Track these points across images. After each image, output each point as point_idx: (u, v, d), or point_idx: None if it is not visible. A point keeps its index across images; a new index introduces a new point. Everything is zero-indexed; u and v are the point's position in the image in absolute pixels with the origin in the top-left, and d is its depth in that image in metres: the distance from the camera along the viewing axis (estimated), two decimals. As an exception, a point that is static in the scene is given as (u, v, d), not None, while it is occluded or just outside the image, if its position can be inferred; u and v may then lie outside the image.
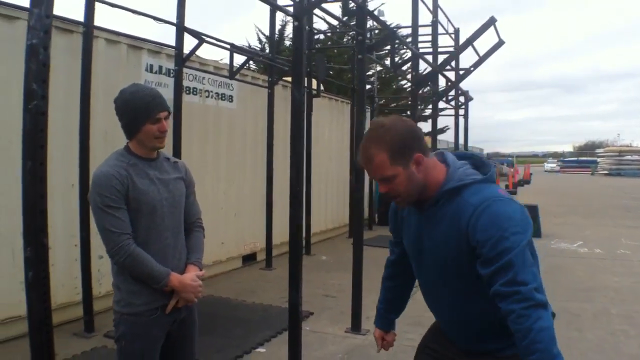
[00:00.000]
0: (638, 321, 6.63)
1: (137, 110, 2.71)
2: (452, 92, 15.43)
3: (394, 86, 27.39)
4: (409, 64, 12.39)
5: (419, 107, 23.84)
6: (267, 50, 10.08)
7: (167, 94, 6.87)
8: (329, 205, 12.78)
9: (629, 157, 56.45)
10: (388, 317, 2.91)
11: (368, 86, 19.85)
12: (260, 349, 5.51)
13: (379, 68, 20.42)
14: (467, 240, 2.17)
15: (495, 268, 2.07)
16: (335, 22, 15.52)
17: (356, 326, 6.11)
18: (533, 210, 13.56)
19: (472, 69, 12.23)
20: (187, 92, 7.86)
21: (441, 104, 15.47)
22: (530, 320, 2.03)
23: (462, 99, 17.09)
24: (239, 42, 9.15)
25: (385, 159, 2.18)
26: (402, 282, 2.83)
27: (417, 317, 2.78)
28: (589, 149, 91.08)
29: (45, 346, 2.79)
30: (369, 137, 2.22)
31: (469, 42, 10.38)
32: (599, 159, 62.39)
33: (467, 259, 2.19)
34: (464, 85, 15.12)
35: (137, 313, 2.74)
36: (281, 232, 9.73)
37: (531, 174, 44.21)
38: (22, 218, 2.77)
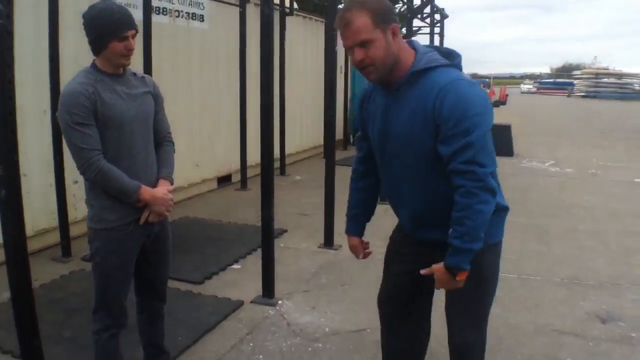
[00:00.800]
0: (605, 238, 6.85)
1: (104, 27, 2.70)
2: (427, 10, 15.26)
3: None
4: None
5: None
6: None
7: (136, 14, 6.73)
8: (304, 126, 12.80)
9: (605, 80, 56.59)
10: (360, 221, 2.92)
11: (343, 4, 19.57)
12: (235, 266, 5.66)
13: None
14: (432, 118, 2.27)
15: (456, 146, 2.21)
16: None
17: (329, 241, 6.29)
18: (506, 130, 13.66)
19: (446, -14, 12.08)
20: (157, 12, 7.70)
21: (416, 22, 15.34)
22: (476, 199, 2.20)
23: (437, 16, 16.93)
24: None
25: (367, 22, 2.23)
26: (373, 180, 2.85)
27: (389, 231, 2.89)
28: (566, 70, 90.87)
29: (21, 262, 2.87)
30: (350, 3, 2.28)
31: (443, -42, 10.22)
32: (575, 81, 62.48)
33: (431, 139, 2.30)
34: (439, 2, 14.97)
35: (111, 228, 2.81)
36: (256, 154, 9.73)
37: (507, 95, 44.30)
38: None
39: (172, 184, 3.05)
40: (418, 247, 2.63)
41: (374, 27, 2.24)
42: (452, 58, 2.40)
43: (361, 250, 2.93)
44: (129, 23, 2.77)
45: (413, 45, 2.43)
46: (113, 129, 2.76)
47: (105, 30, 2.70)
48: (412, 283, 2.72)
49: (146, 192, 2.83)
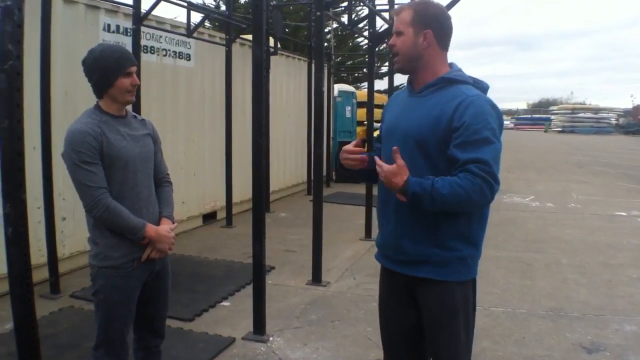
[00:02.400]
0: (588, 270, 6.97)
1: (109, 65, 2.81)
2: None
3: (350, 44, 27.41)
4: (365, 21, 12.43)
5: (376, 64, 23.93)
6: (223, 8, 10.04)
7: (125, 53, 6.82)
8: (287, 163, 12.89)
9: (582, 115, 57.48)
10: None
11: (325, 44, 19.83)
12: (225, 303, 5.66)
13: (335, 25, 20.39)
14: (449, 121, 2.42)
15: (476, 155, 2.34)
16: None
17: (317, 278, 6.31)
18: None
19: (427, 25, 12.29)
20: (145, 51, 7.80)
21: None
22: (473, 189, 2.32)
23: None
24: (194, 0, 9.07)
25: (407, 17, 2.56)
26: None
27: (376, 269, 2.95)
28: (543, 106, 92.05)
29: (26, 298, 2.90)
30: (413, 0, 2.63)
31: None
32: (552, 117, 63.36)
33: (436, 139, 2.45)
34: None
35: (116, 266, 2.86)
36: (241, 191, 9.84)
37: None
38: (0, 175, 2.85)
39: (173, 222, 3.14)
40: (397, 278, 2.70)
41: (410, 24, 2.56)
42: (479, 84, 2.63)
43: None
44: (131, 59, 2.91)
45: (451, 65, 2.66)
46: (118, 168, 2.84)
47: (111, 68, 2.81)
48: (409, 325, 2.77)
49: (151, 229, 2.91)
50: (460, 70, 2.63)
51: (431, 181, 2.35)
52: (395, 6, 11.83)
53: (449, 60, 2.67)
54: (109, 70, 2.81)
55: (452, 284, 2.54)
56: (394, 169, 2.38)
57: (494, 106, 2.48)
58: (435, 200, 2.33)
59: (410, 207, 2.53)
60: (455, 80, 2.55)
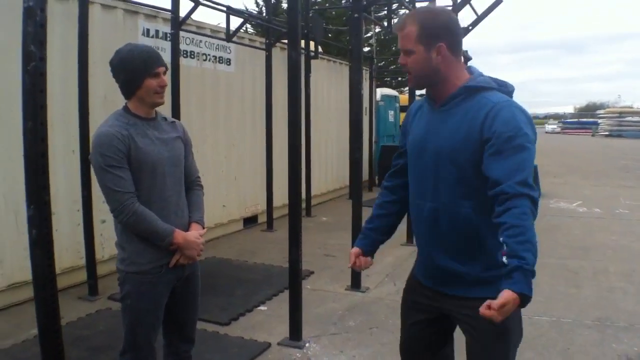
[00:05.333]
0: (636, 279, 6.71)
1: (135, 66, 2.73)
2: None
3: (394, 48, 27.26)
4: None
5: (419, 68, 23.68)
6: (264, 14, 10.09)
7: (165, 57, 6.83)
8: (329, 167, 12.82)
9: (629, 119, 56.05)
10: (370, 237, 2.75)
11: (367, 48, 19.74)
12: (262, 307, 5.61)
13: (377, 29, 20.27)
14: (479, 131, 2.24)
15: (511, 165, 2.15)
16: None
17: (356, 284, 6.21)
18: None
19: (470, 27, 12.10)
20: (185, 55, 7.84)
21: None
22: (529, 221, 2.11)
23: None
24: (235, 6, 9.06)
25: (413, 34, 2.31)
26: (398, 198, 2.76)
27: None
28: (590, 110, 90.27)
29: (50, 301, 2.87)
30: (415, 10, 2.45)
31: (467, 0, 10.28)
32: (599, 120, 62.06)
33: (470, 154, 2.26)
34: (463, 44, 15.01)
35: (143, 271, 2.80)
36: (282, 194, 9.78)
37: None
38: (24, 177, 2.84)
39: (203, 228, 3.05)
40: (433, 295, 2.54)
41: (417, 41, 2.31)
42: (505, 87, 2.42)
43: (354, 260, 2.72)
44: (159, 60, 2.82)
45: (470, 70, 2.46)
46: (146, 172, 2.77)
47: (138, 68, 2.73)
48: (429, 333, 2.64)
49: (179, 235, 2.83)
50: (481, 74, 2.42)
51: (517, 264, 2.05)
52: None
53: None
54: (136, 71, 2.74)
55: None
56: (507, 310, 2.01)
57: (523, 111, 2.28)
58: (534, 260, 2.10)
59: (441, 226, 2.41)
60: (479, 87, 2.34)
